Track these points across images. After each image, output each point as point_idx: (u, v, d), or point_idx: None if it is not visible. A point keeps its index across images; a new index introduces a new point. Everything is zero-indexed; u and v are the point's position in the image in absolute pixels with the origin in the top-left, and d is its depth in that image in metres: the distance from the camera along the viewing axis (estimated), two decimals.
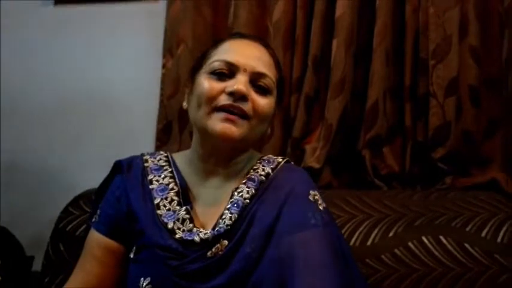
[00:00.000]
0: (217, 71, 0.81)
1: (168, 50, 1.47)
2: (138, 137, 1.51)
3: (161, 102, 1.47)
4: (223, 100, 0.79)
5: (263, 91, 0.83)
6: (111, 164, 0.95)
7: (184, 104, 0.88)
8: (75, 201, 1.28)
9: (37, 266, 1.27)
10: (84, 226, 1.19)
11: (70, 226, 1.23)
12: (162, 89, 1.47)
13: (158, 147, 1.46)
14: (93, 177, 1.15)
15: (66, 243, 1.21)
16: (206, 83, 0.81)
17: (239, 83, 0.79)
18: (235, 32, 0.93)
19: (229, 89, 0.79)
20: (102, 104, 1.56)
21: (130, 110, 1.54)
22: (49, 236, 1.25)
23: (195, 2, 1.46)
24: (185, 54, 1.44)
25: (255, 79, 0.82)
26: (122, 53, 1.55)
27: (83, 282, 0.85)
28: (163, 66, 1.47)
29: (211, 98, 0.80)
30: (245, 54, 0.82)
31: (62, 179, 1.55)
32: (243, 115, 0.80)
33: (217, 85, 0.80)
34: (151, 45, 1.50)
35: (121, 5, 1.56)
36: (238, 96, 0.79)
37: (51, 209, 1.33)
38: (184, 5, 1.46)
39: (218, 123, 0.79)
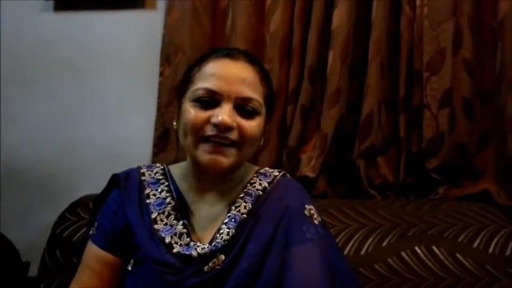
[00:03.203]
0: (201, 99, 0.80)
1: (166, 58, 1.48)
2: (136, 143, 1.52)
3: (158, 109, 1.48)
4: (209, 131, 0.79)
5: (250, 114, 0.82)
6: (109, 170, 0.96)
7: (174, 124, 0.88)
8: (72, 208, 1.28)
9: (33, 271, 1.28)
10: (81, 232, 1.21)
11: (67, 232, 1.24)
12: (159, 96, 1.48)
13: (156, 154, 1.47)
14: (90, 183, 1.16)
15: (62, 249, 1.22)
16: (191, 112, 0.80)
17: (223, 113, 0.78)
18: (218, 49, 0.89)
19: (213, 120, 0.79)
20: (100, 110, 1.57)
21: (128, 117, 1.55)
22: (45, 241, 1.25)
23: (193, 11, 1.47)
24: (183, 62, 1.45)
25: (241, 104, 0.81)
26: (120, 59, 1.56)
27: None
28: (161, 74, 1.49)
29: (197, 129, 0.80)
30: (228, 79, 0.80)
31: (59, 185, 1.55)
32: (231, 143, 0.80)
33: (202, 114, 0.79)
34: (149, 53, 1.51)
35: (119, 12, 1.56)
36: (223, 127, 0.79)
37: (47, 215, 1.33)
38: (183, 14, 1.47)
39: (205, 155, 0.79)
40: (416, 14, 1.31)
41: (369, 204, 1.24)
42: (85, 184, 1.35)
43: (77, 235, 1.22)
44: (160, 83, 1.48)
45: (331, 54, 1.34)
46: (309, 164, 1.35)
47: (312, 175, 1.34)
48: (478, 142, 1.32)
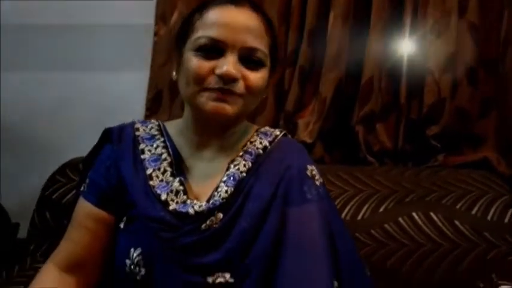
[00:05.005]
0: (204, 48, 0.76)
1: (161, 17, 1.42)
2: (128, 105, 1.47)
3: (152, 70, 1.43)
4: (213, 83, 0.75)
5: (255, 65, 0.77)
6: (100, 132, 0.91)
7: (174, 75, 0.83)
8: (62, 169, 1.25)
9: (23, 233, 1.25)
10: (71, 194, 1.18)
11: (56, 194, 1.21)
12: (153, 57, 1.43)
13: (147, 117, 1.43)
14: (81, 145, 1.12)
15: (52, 211, 1.19)
16: (194, 62, 0.75)
17: (228, 63, 0.74)
18: None
19: (218, 72, 0.74)
20: (92, 71, 1.52)
21: (121, 78, 1.50)
22: (35, 203, 1.22)
23: None
24: (179, 22, 1.38)
25: (246, 54, 0.76)
26: (114, 18, 1.49)
27: (71, 251, 0.82)
28: (155, 33, 1.43)
29: (200, 79, 0.76)
30: (233, 27, 0.75)
31: (50, 147, 1.51)
32: (236, 93, 0.76)
33: (206, 64, 0.75)
34: (144, 12, 1.45)
35: None
36: (227, 79, 0.74)
37: (37, 177, 1.29)
38: None
39: (209, 102, 0.75)
40: None
41: (367, 171, 1.22)
42: (76, 146, 1.30)
43: (67, 197, 1.19)
44: (155, 43, 1.43)
45: (331, 15, 1.29)
46: (307, 129, 1.32)
47: (309, 140, 1.31)
48: (480, 109, 1.29)
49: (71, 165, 1.26)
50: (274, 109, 1.37)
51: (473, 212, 1.07)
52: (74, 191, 1.02)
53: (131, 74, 1.48)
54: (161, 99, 1.42)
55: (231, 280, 0.72)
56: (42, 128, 1.53)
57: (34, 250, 1.18)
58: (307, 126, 1.33)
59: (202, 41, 0.76)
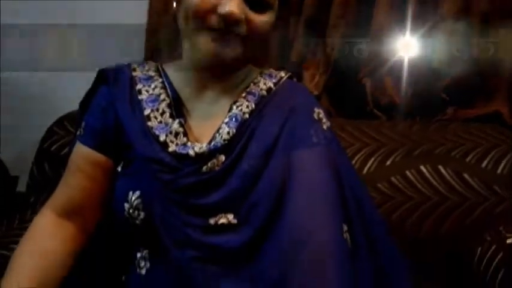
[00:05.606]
0: None
1: None
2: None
3: (149, 20, 1.36)
4: (214, 22, 0.70)
5: (262, 7, 0.72)
6: None
7: (174, 7, 0.77)
8: (60, 122, 1.23)
9: (22, 186, 1.24)
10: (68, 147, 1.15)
11: (55, 146, 1.19)
12: (150, 5, 1.36)
13: None
14: (79, 97, 1.09)
15: (51, 163, 1.18)
16: None
17: (231, 2, 0.68)
18: None
19: (220, 10, 0.69)
20: (91, 26, 1.46)
21: (119, 35, 1.44)
22: (34, 156, 1.21)
23: None
24: None
25: None
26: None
27: (68, 196, 0.79)
28: None
29: (201, 16, 0.70)
30: None
31: (48, 99, 1.47)
32: (238, 36, 0.71)
33: (208, 0, 0.70)
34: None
35: None
36: (230, 20, 0.69)
37: (35, 129, 1.27)
38: None
39: (209, 43, 0.71)
40: None
41: (374, 124, 1.18)
42: (74, 99, 1.28)
43: (65, 149, 1.16)
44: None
45: None
46: (312, 81, 1.27)
47: (314, 93, 1.26)
48: (491, 61, 1.23)
49: (69, 117, 1.23)
50: (278, 60, 1.31)
51: (483, 165, 1.04)
52: None
53: (130, 32, 1.42)
54: (160, 51, 1.36)
55: (234, 221, 0.70)
56: (40, 81, 1.49)
57: (34, 203, 1.17)
58: (313, 79, 1.28)
59: None
